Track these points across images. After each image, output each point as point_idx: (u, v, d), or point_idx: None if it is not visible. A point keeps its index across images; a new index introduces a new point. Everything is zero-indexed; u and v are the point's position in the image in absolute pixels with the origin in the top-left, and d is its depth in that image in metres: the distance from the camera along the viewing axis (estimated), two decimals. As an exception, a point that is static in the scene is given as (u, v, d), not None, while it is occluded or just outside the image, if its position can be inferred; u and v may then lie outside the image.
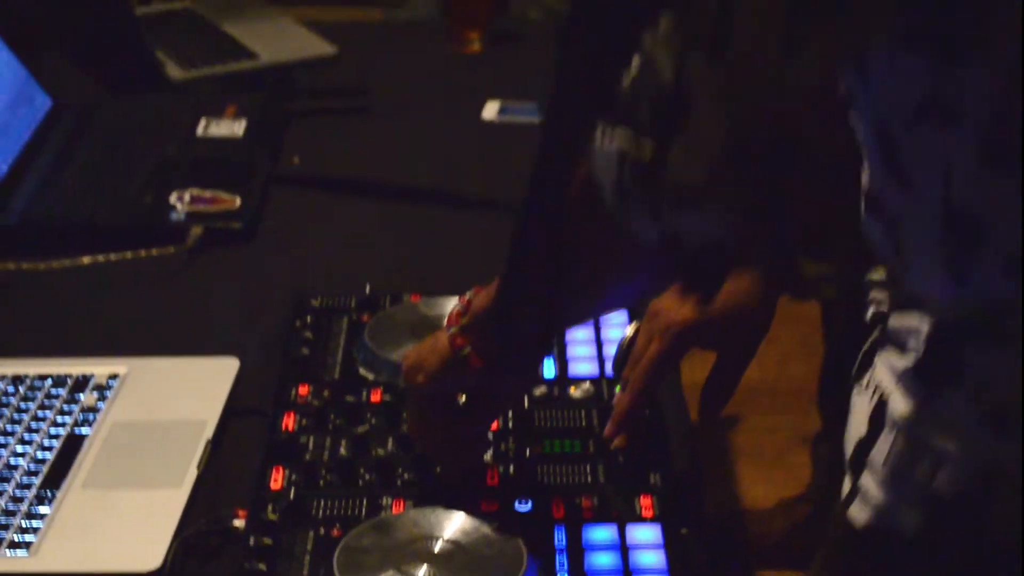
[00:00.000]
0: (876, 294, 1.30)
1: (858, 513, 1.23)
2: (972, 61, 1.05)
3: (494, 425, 1.47)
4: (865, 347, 1.30)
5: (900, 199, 1.16)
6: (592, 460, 1.42)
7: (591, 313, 1.52)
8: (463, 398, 1.39)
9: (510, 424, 1.47)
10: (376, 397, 1.50)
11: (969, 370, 1.13)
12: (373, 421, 1.46)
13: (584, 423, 1.47)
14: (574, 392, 1.52)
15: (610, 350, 1.57)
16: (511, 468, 1.41)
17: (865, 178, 1.22)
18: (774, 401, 2.92)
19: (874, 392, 1.25)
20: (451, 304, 1.59)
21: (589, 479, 1.39)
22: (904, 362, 1.19)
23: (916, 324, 1.19)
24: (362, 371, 1.55)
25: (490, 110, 2.25)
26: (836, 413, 2.30)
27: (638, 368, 1.47)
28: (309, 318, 1.65)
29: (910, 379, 1.18)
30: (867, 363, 1.28)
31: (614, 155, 1.10)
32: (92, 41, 2.42)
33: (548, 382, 1.55)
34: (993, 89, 1.05)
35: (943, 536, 1.18)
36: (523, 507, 1.34)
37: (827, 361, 2.46)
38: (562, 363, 1.58)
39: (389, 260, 1.83)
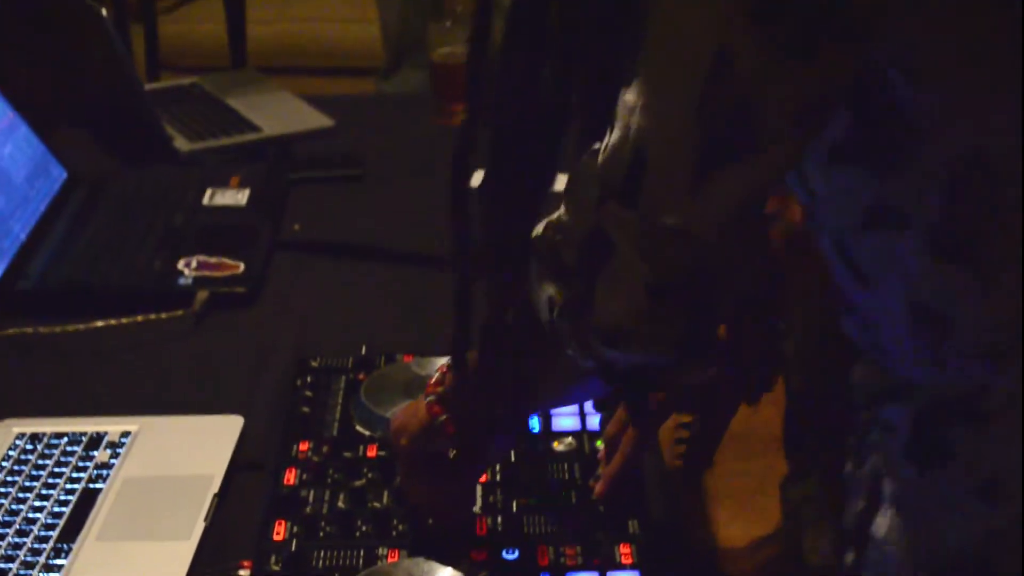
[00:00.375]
0: (860, 374, 1.29)
1: None
2: (907, 171, 1.06)
3: (483, 478, 1.47)
4: (853, 438, 1.30)
5: (868, 300, 1.17)
6: (575, 510, 1.42)
7: (562, 403, 1.53)
8: (452, 454, 1.39)
9: (498, 477, 1.47)
10: (372, 452, 1.51)
11: (957, 449, 1.13)
12: (369, 475, 1.46)
13: (567, 475, 1.48)
14: (557, 446, 1.52)
15: (591, 406, 1.58)
16: (499, 519, 1.40)
17: (846, 287, 1.22)
18: (746, 446, 2.93)
19: (870, 470, 1.24)
20: (438, 364, 1.61)
21: (573, 529, 1.39)
22: (895, 443, 1.18)
23: (902, 407, 1.18)
24: (359, 428, 1.55)
25: (476, 179, 2.26)
26: (801, 458, 2.31)
27: (626, 436, 1.46)
28: (309, 378, 1.65)
29: (902, 458, 1.18)
30: (860, 444, 1.27)
31: (544, 300, 1.11)
32: (104, 116, 2.44)
33: (533, 435, 1.54)
34: (934, 192, 1.05)
35: None
36: (510, 556, 1.35)
37: (789, 411, 2.47)
38: (546, 418, 1.57)
39: (384, 321, 1.84)
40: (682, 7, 0.99)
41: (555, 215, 1.13)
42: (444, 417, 1.33)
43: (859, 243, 1.14)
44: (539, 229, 1.14)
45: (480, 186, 1.26)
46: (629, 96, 1.02)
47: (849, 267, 1.16)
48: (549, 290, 1.11)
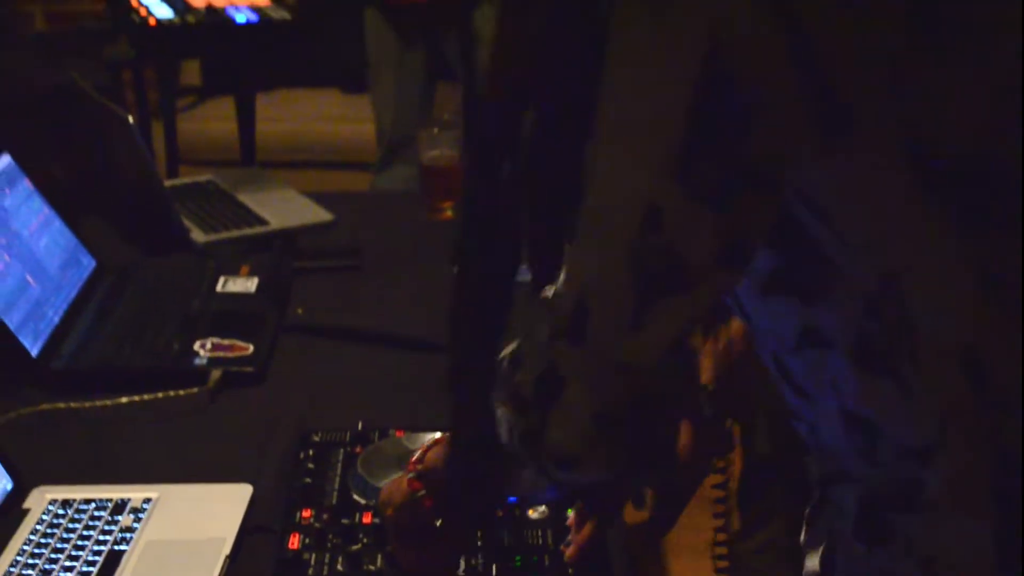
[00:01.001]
0: (812, 458, 1.28)
1: None
2: (828, 299, 1.07)
3: None
4: (808, 510, 1.28)
5: (806, 409, 1.17)
6: (548, 572, 1.43)
7: (533, 499, 1.51)
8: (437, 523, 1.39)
9: (479, 542, 1.47)
10: (367, 519, 1.51)
11: (897, 533, 1.13)
12: (365, 540, 1.47)
13: (541, 541, 1.48)
14: (532, 514, 1.53)
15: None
16: None
17: (791, 399, 1.23)
18: (697, 505, 2.94)
19: (824, 547, 1.23)
20: (429, 438, 1.62)
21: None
22: (844, 521, 1.18)
23: (847, 493, 1.18)
24: (356, 497, 1.55)
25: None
26: (754, 516, 2.32)
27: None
28: (311, 451, 1.65)
29: (851, 536, 1.17)
30: (814, 520, 1.26)
31: (504, 424, 1.12)
32: (129, 210, 2.45)
33: (511, 504, 1.53)
34: (851, 315, 1.06)
35: None
36: None
37: (748, 475, 2.47)
38: (522, 488, 1.58)
39: (378, 399, 1.84)
40: (614, 174, 1.01)
41: (512, 347, 1.13)
42: (422, 492, 1.33)
43: (794, 361, 1.14)
44: (501, 358, 1.15)
45: (447, 313, 1.27)
46: (572, 249, 1.05)
47: (788, 381, 1.16)
48: (509, 415, 1.11)
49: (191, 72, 4.55)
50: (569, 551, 1.44)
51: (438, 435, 1.57)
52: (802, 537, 1.30)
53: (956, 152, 1.02)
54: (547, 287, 1.10)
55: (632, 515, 1.52)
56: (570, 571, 1.43)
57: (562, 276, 1.06)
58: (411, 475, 1.35)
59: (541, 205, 1.15)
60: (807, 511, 1.28)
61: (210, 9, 3.13)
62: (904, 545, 1.13)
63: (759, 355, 1.21)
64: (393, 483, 1.41)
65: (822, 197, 1.02)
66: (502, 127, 1.14)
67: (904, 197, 1.02)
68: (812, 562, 1.25)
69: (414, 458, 1.37)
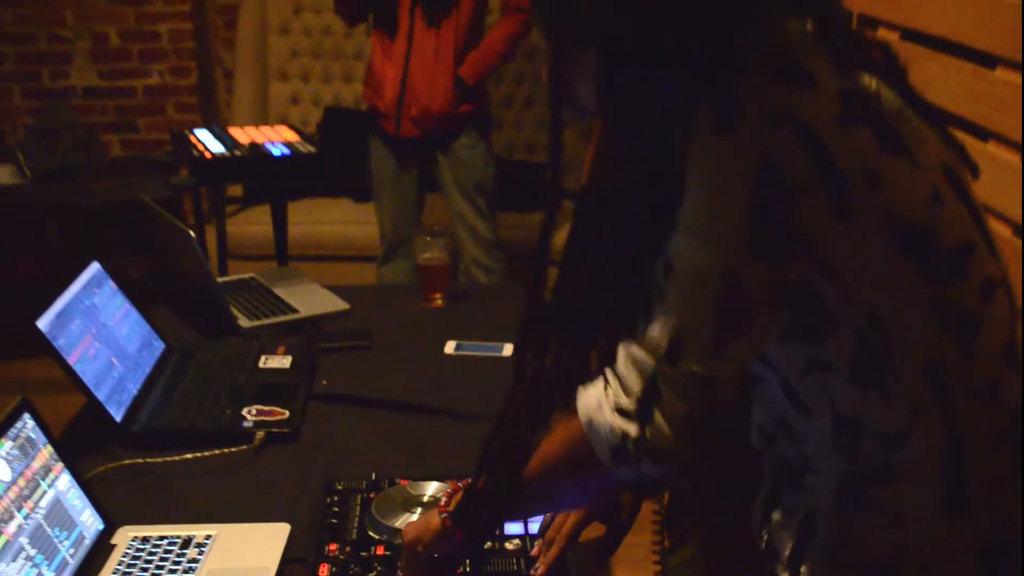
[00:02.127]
0: (772, 466, 1.33)
1: None
2: (831, 339, 1.15)
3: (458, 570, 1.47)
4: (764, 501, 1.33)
5: (803, 423, 1.22)
6: None
7: (544, 513, 1.53)
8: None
9: (467, 569, 1.48)
10: (380, 551, 1.51)
11: (872, 499, 1.19)
12: (379, 568, 1.47)
13: (515, 567, 1.49)
14: (508, 545, 1.53)
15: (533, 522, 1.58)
16: None
17: (769, 420, 1.28)
18: (637, 524, 2.93)
19: (802, 517, 1.25)
20: (429, 486, 1.63)
21: None
22: (817, 501, 1.23)
23: (822, 480, 1.23)
24: (371, 533, 1.55)
25: (449, 347, 2.27)
26: (679, 534, 2.31)
27: (560, 534, 1.49)
28: (335, 496, 1.66)
29: (829, 508, 1.22)
30: (788, 503, 1.28)
31: (619, 434, 1.16)
32: (190, 303, 2.45)
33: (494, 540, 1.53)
34: (848, 347, 1.14)
35: None
36: None
37: (672, 502, 2.47)
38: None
39: (387, 454, 1.83)
40: (699, 252, 1.11)
41: (605, 388, 1.19)
42: (454, 529, 1.34)
43: (801, 383, 1.20)
44: (598, 392, 1.20)
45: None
46: (662, 305, 1.13)
47: (793, 400, 1.22)
48: (623, 425, 1.16)
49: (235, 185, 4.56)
50: (539, 572, 1.46)
51: (440, 485, 1.60)
52: (773, 518, 1.32)
53: (919, 223, 1.13)
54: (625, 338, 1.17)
55: (586, 534, 1.53)
56: None
57: (654, 323, 1.14)
58: (444, 516, 1.36)
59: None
60: (767, 502, 1.32)
61: (253, 145, 3.16)
62: (877, 508, 1.19)
63: (767, 389, 1.26)
64: (420, 523, 1.41)
65: (834, 260, 1.12)
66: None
67: (887, 257, 1.12)
68: (786, 535, 1.27)
69: (442, 503, 1.38)
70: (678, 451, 1.14)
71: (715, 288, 1.10)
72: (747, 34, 1.13)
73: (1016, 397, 1.19)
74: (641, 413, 1.13)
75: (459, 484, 1.41)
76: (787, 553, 1.27)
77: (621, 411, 1.15)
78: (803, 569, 1.24)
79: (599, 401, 1.18)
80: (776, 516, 1.29)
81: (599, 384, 1.20)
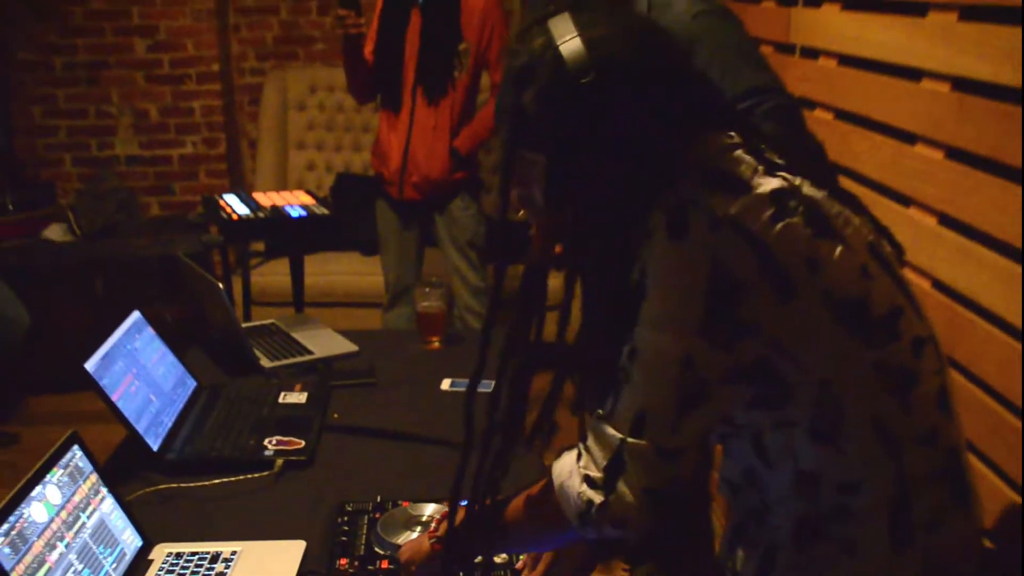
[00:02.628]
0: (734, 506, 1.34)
1: None
2: (789, 406, 1.16)
3: None
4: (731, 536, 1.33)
5: (767, 475, 1.22)
6: None
7: (521, 552, 1.52)
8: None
9: None
10: (385, 565, 1.52)
11: (827, 533, 1.19)
12: None
13: None
14: (496, 559, 1.51)
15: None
16: None
17: (736, 474, 1.28)
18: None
19: (761, 552, 1.26)
20: (428, 507, 1.63)
21: None
22: (777, 535, 1.23)
23: (781, 519, 1.23)
24: (376, 550, 1.56)
25: (445, 384, 2.27)
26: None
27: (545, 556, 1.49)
28: (345, 516, 1.66)
29: (787, 542, 1.22)
30: (751, 536, 1.29)
31: (585, 501, 1.16)
32: (218, 346, 2.46)
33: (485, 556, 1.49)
34: (807, 410, 1.15)
35: None
36: None
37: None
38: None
39: (390, 479, 1.83)
40: (660, 340, 1.12)
41: (578, 459, 1.20)
42: (440, 553, 1.36)
43: (769, 439, 1.20)
44: (570, 462, 1.21)
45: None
46: (629, 386, 1.14)
47: (760, 453, 1.22)
48: (590, 495, 1.16)
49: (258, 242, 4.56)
50: None
51: (437, 506, 1.60)
52: (723, 552, 1.34)
53: (853, 297, 1.14)
54: (596, 411, 1.19)
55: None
56: None
57: (618, 401, 1.15)
58: (432, 540, 1.37)
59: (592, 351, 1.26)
60: (729, 538, 1.33)
61: (274, 207, 3.17)
62: (832, 541, 1.19)
63: (734, 444, 1.27)
64: (413, 544, 1.42)
65: (784, 339, 1.12)
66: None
67: (829, 330, 1.13)
68: (750, 566, 1.28)
69: (432, 528, 1.39)
70: (640, 518, 1.15)
71: (675, 371, 1.11)
72: (685, 149, 1.16)
73: (950, 440, 1.21)
74: (607, 484, 1.15)
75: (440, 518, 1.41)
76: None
77: (589, 480, 1.16)
78: None
79: (571, 470, 1.19)
80: (740, 551, 1.30)
81: (573, 453, 1.21)
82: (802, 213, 1.12)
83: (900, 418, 1.16)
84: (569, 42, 1.11)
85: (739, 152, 1.17)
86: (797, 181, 1.16)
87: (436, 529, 1.38)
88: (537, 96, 1.13)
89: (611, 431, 1.15)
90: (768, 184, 1.13)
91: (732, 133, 1.20)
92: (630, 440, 1.13)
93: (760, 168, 1.15)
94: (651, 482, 1.13)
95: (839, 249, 1.13)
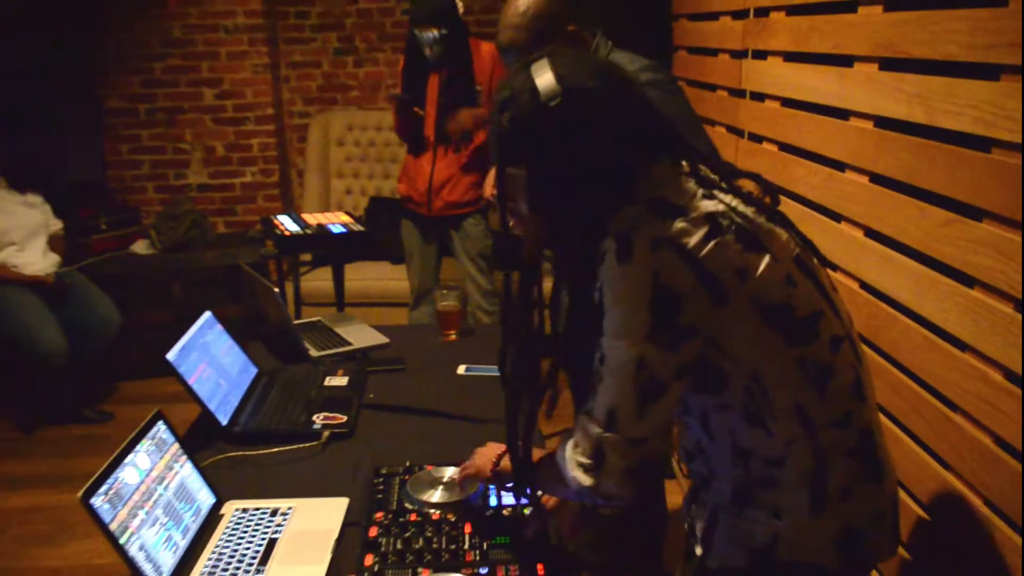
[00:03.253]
0: (692, 473, 1.33)
1: (712, 562, 1.25)
2: (725, 392, 1.15)
3: (467, 529, 1.46)
4: (690, 497, 1.33)
5: (711, 447, 1.22)
6: (514, 548, 1.42)
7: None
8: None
9: (479, 528, 1.47)
10: (413, 517, 1.51)
11: (759, 499, 1.19)
12: (412, 530, 1.47)
13: (512, 531, 1.47)
14: (506, 512, 1.52)
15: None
16: (478, 554, 1.41)
17: (690, 445, 1.27)
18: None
19: (708, 510, 1.26)
20: (448, 470, 1.61)
21: (513, 557, 1.39)
22: (720, 499, 1.23)
23: (724, 484, 1.23)
24: (407, 505, 1.55)
25: (461, 369, 2.27)
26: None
27: (548, 506, 1.50)
28: (381, 478, 1.65)
29: (728, 505, 1.22)
30: (698, 497, 1.29)
31: (580, 482, 1.18)
32: (274, 339, 2.45)
33: (493, 509, 1.52)
34: (740, 396, 1.14)
35: (762, 569, 1.20)
36: (483, 571, 1.35)
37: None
38: (498, 497, 1.57)
39: (418, 447, 1.82)
40: (619, 346, 1.11)
41: (571, 444, 1.20)
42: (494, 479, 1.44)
43: (712, 418, 1.20)
44: (566, 452, 1.21)
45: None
46: (602, 387, 1.14)
47: (705, 429, 1.22)
48: (581, 480, 1.17)
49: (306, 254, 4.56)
50: (528, 532, 1.46)
51: (456, 468, 1.58)
52: (685, 509, 1.34)
53: (778, 301, 1.13)
54: (583, 407, 1.18)
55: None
56: (528, 536, 1.44)
57: (595, 401, 1.15)
58: (490, 469, 1.43)
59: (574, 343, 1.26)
60: (689, 497, 1.32)
61: (319, 226, 3.17)
62: (762, 505, 1.19)
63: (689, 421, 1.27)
64: (477, 463, 1.48)
65: (720, 338, 1.12)
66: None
67: (757, 330, 1.12)
68: (700, 523, 1.27)
69: (494, 461, 1.44)
70: (623, 492, 1.16)
71: (632, 372, 1.11)
72: (637, 171, 1.15)
73: (863, 422, 1.20)
74: (593, 470, 1.15)
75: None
76: (700, 535, 1.28)
77: (581, 466, 1.17)
78: (712, 547, 1.25)
79: (568, 456, 1.20)
80: (694, 509, 1.30)
81: (571, 441, 1.21)
82: (734, 231, 1.11)
83: (818, 404, 1.15)
84: (543, 76, 1.11)
85: (682, 178, 1.16)
86: (733, 202, 1.15)
87: (496, 463, 1.43)
88: (513, 117, 1.13)
89: (591, 427, 1.15)
90: (704, 207, 1.12)
91: (680, 161, 1.19)
92: (606, 434, 1.13)
93: (699, 192, 1.14)
94: (627, 465, 1.14)
95: (766, 260, 1.12)
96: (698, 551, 1.28)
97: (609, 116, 1.12)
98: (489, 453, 1.46)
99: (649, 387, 1.11)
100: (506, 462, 1.39)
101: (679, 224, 1.10)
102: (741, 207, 1.15)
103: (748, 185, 1.22)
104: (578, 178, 1.13)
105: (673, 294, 1.08)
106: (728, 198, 1.15)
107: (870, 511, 1.20)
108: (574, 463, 1.18)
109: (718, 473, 1.23)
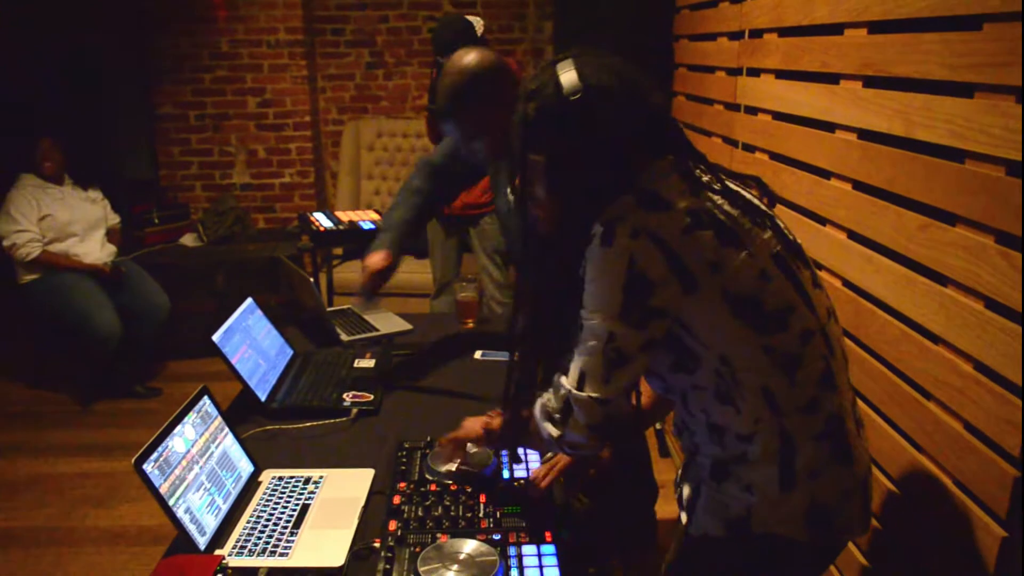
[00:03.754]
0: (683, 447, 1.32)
1: (694, 530, 1.25)
2: (698, 372, 1.15)
3: (483, 499, 1.45)
4: (682, 469, 1.32)
5: (692, 424, 1.22)
6: (524, 516, 1.41)
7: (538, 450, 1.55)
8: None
9: (489, 491, 1.47)
10: (433, 487, 1.51)
11: (734, 474, 1.18)
12: (432, 499, 1.47)
13: (522, 499, 1.47)
14: (516, 484, 1.52)
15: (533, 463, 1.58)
16: (491, 521, 1.41)
17: (678, 421, 1.26)
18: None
19: (692, 482, 1.26)
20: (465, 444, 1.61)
21: (523, 524, 1.39)
22: (701, 472, 1.23)
23: (704, 458, 1.23)
24: (427, 475, 1.55)
25: (477, 354, 2.25)
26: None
27: (555, 470, 1.50)
28: (403, 452, 1.65)
29: (708, 479, 1.21)
30: (685, 475, 1.29)
31: (549, 432, 1.19)
32: (309, 324, 2.45)
33: (506, 481, 1.52)
34: (711, 377, 1.14)
35: (737, 539, 1.19)
36: (496, 536, 1.35)
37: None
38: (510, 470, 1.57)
39: (437, 423, 1.78)
40: (593, 321, 1.11)
41: (545, 398, 1.21)
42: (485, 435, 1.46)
43: (690, 396, 1.19)
44: (541, 404, 1.22)
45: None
46: (577, 354, 1.14)
47: (685, 408, 1.22)
48: (550, 429, 1.19)
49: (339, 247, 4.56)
50: (532, 493, 1.47)
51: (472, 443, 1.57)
52: (677, 481, 1.33)
53: (747, 294, 1.12)
54: (559, 375, 1.19)
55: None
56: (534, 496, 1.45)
57: (570, 363, 1.16)
58: (481, 427, 1.45)
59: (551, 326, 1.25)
60: (681, 470, 1.31)
61: (351, 222, 3.18)
62: (736, 480, 1.18)
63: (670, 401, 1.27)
64: (473, 425, 1.49)
65: (690, 322, 1.11)
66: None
67: (725, 319, 1.11)
68: (687, 492, 1.27)
69: (490, 419, 1.47)
70: (589, 444, 1.17)
71: (602, 343, 1.11)
72: (638, 166, 1.15)
73: (833, 408, 1.17)
74: (561, 422, 1.17)
75: (495, 413, 1.46)
76: (685, 505, 1.28)
77: (551, 419, 1.18)
78: (694, 516, 1.25)
79: (541, 406, 1.22)
80: (683, 481, 1.30)
81: (543, 397, 1.23)
82: (713, 227, 1.11)
83: (786, 390, 1.14)
84: (567, 73, 1.12)
85: (676, 176, 1.15)
86: (720, 201, 1.14)
87: (488, 423, 1.44)
88: (538, 107, 1.13)
89: (563, 383, 1.17)
90: (689, 203, 1.12)
91: (679, 160, 1.18)
92: (575, 392, 1.14)
93: (686, 189, 1.13)
94: (591, 421, 1.14)
95: (743, 255, 1.11)
96: (683, 519, 1.28)
97: (623, 113, 1.12)
98: (477, 419, 1.50)
99: (616, 357, 1.11)
100: (496, 422, 1.42)
101: (662, 216, 1.09)
102: (727, 207, 1.14)
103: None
104: (590, 166, 1.14)
105: (646, 279, 1.08)
106: (717, 198, 1.14)
107: (838, 490, 1.18)
108: (544, 414, 1.20)
109: (701, 448, 1.23)
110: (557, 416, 1.18)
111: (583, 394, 1.14)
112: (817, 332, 1.17)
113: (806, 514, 1.16)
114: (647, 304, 1.09)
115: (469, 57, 1.76)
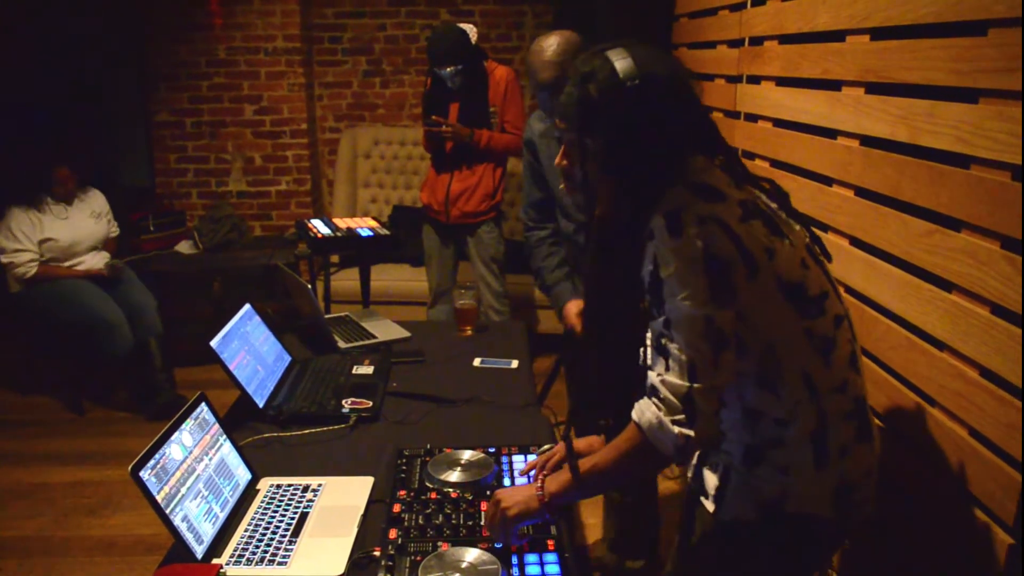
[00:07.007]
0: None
1: (724, 515, 1.25)
2: (744, 359, 1.16)
3: (483, 506, 1.44)
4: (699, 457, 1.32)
5: (724, 412, 1.23)
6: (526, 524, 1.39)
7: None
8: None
9: None
10: (433, 495, 1.49)
11: (768, 457, 1.20)
12: (432, 507, 1.45)
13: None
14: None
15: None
16: None
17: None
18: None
19: (721, 469, 1.26)
20: (464, 453, 1.59)
21: (526, 532, 1.36)
22: (730, 459, 1.24)
23: (735, 444, 1.23)
24: (427, 484, 1.54)
25: (476, 362, 2.25)
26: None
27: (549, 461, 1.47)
28: (404, 459, 1.64)
29: (738, 464, 1.23)
30: (710, 463, 1.29)
31: (684, 437, 1.13)
32: (307, 331, 2.44)
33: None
34: (755, 364, 1.15)
35: (770, 521, 1.21)
36: (498, 545, 1.33)
37: None
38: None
39: (437, 431, 1.81)
40: (684, 310, 1.11)
41: (651, 410, 1.15)
42: (542, 501, 1.26)
43: (730, 387, 1.20)
44: (652, 414, 1.16)
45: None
46: (674, 347, 1.12)
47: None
48: (682, 432, 1.13)
49: (336, 254, 4.54)
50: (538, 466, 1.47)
51: (473, 452, 1.56)
52: (700, 473, 1.31)
53: (795, 280, 1.16)
54: (653, 371, 1.16)
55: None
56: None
57: (670, 361, 1.13)
58: (543, 500, 1.27)
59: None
60: (699, 461, 1.31)
61: (348, 229, 3.16)
62: (771, 463, 1.20)
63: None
64: (519, 497, 1.29)
65: (746, 308, 1.14)
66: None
67: (777, 303, 1.15)
68: (712, 481, 1.27)
69: (538, 487, 1.28)
70: (715, 435, 1.18)
71: (702, 328, 1.11)
72: (685, 158, 1.18)
73: (858, 390, 1.23)
74: (691, 422, 1.13)
75: (543, 472, 1.36)
76: (712, 493, 1.28)
77: (677, 423, 1.13)
78: (724, 501, 1.26)
79: (659, 419, 1.14)
80: (705, 471, 1.30)
81: (652, 407, 1.15)
82: (761, 217, 1.16)
83: (822, 372, 1.18)
84: (623, 60, 1.15)
85: (718, 171, 1.20)
86: (758, 193, 1.21)
87: (542, 489, 1.27)
88: (599, 88, 1.15)
89: (677, 382, 1.13)
90: (738, 195, 1.17)
91: (716, 155, 1.23)
92: (694, 385, 1.12)
93: (732, 182, 1.19)
94: (714, 409, 1.14)
95: (786, 244, 1.16)
96: (710, 507, 1.28)
97: (677, 102, 1.16)
98: (519, 490, 1.29)
99: (719, 339, 1.12)
100: (552, 485, 1.26)
101: (720, 206, 1.14)
102: (765, 199, 1.22)
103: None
104: (643, 150, 1.16)
105: (721, 260, 1.11)
106: (756, 191, 1.21)
107: (862, 468, 1.23)
108: (670, 422, 1.13)
109: (729, 436, 1.25)
110: (681, 416, 1.13)
111: (699, 385, 1.12)
112: (844, 317, 1.23)
113: (835, 491, 1.20)
114: (730, 282, 1.11)
115: (564, 33, 2.02)
